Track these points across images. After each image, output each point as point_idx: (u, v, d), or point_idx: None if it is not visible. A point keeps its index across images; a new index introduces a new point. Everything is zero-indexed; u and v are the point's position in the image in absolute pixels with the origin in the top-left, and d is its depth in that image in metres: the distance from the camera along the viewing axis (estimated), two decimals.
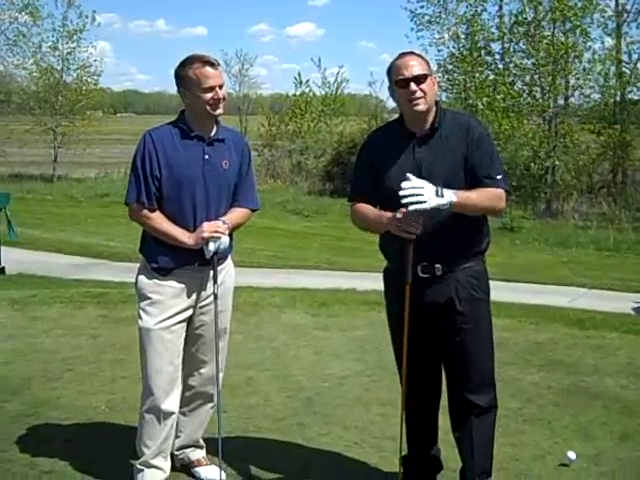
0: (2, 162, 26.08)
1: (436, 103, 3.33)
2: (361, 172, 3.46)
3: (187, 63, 3.42)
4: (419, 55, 3.33)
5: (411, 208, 3.05)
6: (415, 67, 3.22)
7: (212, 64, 3.40)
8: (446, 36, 22.42)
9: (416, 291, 3.23)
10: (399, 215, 3.13)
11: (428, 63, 3.32)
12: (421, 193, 3.04)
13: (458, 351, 3.33)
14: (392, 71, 3.27)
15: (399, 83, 3.23)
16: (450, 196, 3.08)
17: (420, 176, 3.17)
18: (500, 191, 3.24)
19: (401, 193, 3.06)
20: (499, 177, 3.25)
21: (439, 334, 3.36)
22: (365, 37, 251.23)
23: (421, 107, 3.22)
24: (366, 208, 3.37)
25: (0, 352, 5.77)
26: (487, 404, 3.38)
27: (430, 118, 3.28)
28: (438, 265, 3.26)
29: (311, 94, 27.76)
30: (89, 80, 26.59)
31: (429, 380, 3.50)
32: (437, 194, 3.06)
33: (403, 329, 3.25)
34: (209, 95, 3.38)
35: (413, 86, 3.20)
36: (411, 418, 3.53)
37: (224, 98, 3.44)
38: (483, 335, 3.37)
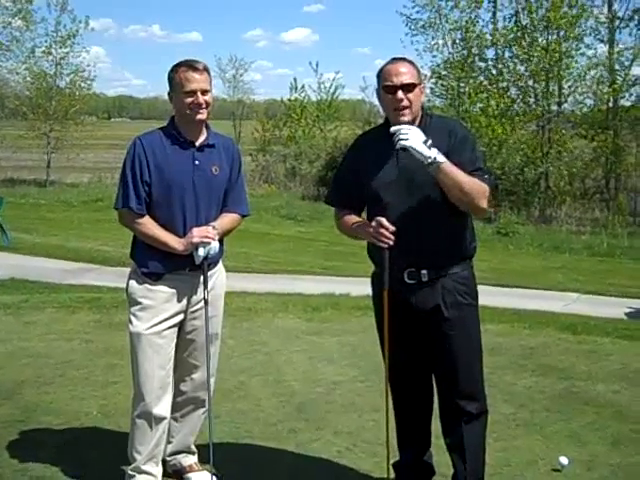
0: None
1: (421, 107, 3.32)
2: (344, 173, 3.48)
3: (175, 67, 3.45)
4: (411, 62, 3.30)
5: (397, 146, 3.09)
6: (405, 75, 3.20)
7: (197, 69, 3.41)
8: (440, 42, 22.52)
9: (403, 297, 3.25)
10: (373, 224, 3.16)
11: (419, 71, 3.30)
12: (406, 132, 3.07)
13: (446, 357, 3.33)
14: (381, 75, 3.26)
15: (386, 89, 3.22)
16: (438, 155, 3.06)
17: (403, 180, 3.20)
18: (486, 187, 3.20)
19: (391, 130, 3.12)
20: (485, 176, 3.24)
21: (427, 340, 3.36)
22: (360, 43, 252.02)
23: (406, 118, 3.21)
24: (351, 218, 3.39)
25: None
26: (477, 410, 3.38)
27: (415, 123, 3.27)
28: (424, 271, 3.25)
29: (306, 99, 27.83)
30: (82, 85, 26.57)
31: (420, 386, 3.50)
32: (425, 143, 3.07)
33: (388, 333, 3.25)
34: (190, 99, 3.39)
35: (400, 94, 3.19)
36: (403, 424, 3.53)
37: (207, 104, 3.44)
38: (471, 341, 3.36)
